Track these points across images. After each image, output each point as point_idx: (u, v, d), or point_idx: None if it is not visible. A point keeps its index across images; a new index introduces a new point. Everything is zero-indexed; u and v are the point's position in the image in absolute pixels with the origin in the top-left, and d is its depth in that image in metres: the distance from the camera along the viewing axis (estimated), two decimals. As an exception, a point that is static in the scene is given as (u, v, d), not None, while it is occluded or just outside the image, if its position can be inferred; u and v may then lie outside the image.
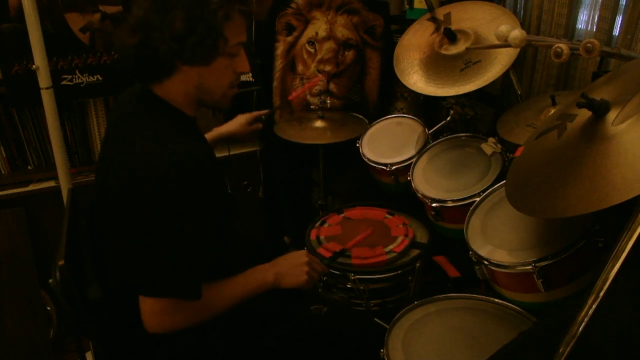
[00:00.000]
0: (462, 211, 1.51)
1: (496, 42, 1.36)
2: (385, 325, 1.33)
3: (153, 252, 1.09)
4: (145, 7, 1.09)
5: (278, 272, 1.25)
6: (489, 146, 1.71)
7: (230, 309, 1.18)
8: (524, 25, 2.05)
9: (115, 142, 1.22)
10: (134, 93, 1.23)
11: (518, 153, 1.36)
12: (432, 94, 1.75)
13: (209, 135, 1.64)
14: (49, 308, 2.13)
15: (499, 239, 1.33)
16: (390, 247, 1.64)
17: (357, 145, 2.02)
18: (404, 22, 2.31)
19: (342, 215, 1.85)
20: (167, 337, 1.21)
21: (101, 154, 1.30)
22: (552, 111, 1.52)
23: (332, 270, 1.61)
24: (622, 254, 0.75)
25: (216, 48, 1.11)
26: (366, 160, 1.95)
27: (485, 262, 1.29)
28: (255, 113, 1.76)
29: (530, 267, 1.18)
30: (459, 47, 1.75)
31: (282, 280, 1.25)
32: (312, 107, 2.28)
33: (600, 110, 0.97)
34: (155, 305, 1.09)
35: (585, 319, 0.74)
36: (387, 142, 2.00)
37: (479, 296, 1.34)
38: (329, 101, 2.14)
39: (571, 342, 0.75)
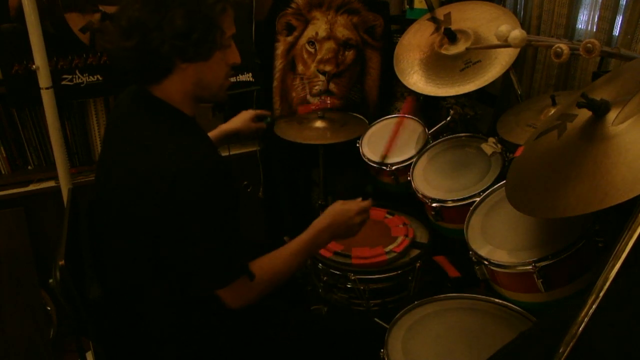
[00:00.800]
0: (462, 211, 1.51)
1: (496, 42, 1.36)
2: (385, 325, 1.33)
3: (206, 249, 1.12)
4: (138, 8, 1.07)
5: (334, 233, 1.33)
6: (489, 146, 1.71)
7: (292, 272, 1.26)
8: (524, 25, 2.05)
9: (117, 143, 1.21)
10: (130, 94, 1.23)
11: (518, 153, 1.36)
12: (432, 94, 1.75)
13: (213, 133, 1.64)
14: (49, 308, 2.13)
15: (499, 239, 1.33)
16: (390, 247, 1.64)
17: (357, 145, 2.02)
18: (404, 22, 2.31)
19: (342, 215, 1.84)
20: (167, 337, 1.22)
21: (101, 155, 1.30)
22: (552, 111, 1.52)
23: (332, 270, 1.61)
24: (622, 254, 0.75)
25: (215, 42, 1.12)
26: (366, 160, 1.95)
27: (485, 262, 1.29)
28: (260, 111, 1.76)
29: (530, 267, 1.18)
30: (459, 47, 1.75)
31: (339, 238, 1.39)
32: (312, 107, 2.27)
33: (600, 110, 0.97)
34: (234, 291, 1.15)
35: (585, 319, 0.74)
36: (387, 142, 1.99)
37: (479, 296, 1.34)
38: (329, 101, 2.14)
39: (571, 342, 0.75)
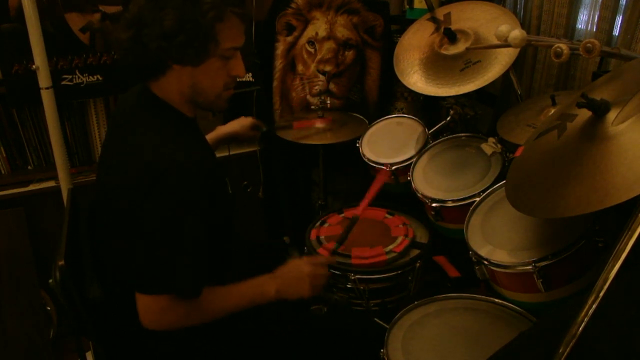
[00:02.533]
0: (462, 211, 1.51)
1: (496, 42, 1.36)
2: (385, 325, 1.33)
3: (151, 250, 1.09)
4: (140, 4, 1.09)
5: (280, 285, 1.23)
6: (489, 146, 1.71)
7: (226, 315, 1.18)
8: (524, 25, 2.05)
9: (115, 142, 1.22)
10: (134, 92, 1.23)
11: (518, 153, 1.36)
12: (432, 94, 1.75)
13: (211, 135, 1.64)
14: (49, 308, 2.13)
15: (499, 239, 1.33)
16: (390, 247, 1.64)
17: (357, 145, 2.02)
18: (404, 22, 2.31)
19: (342, 215, 1.84)
20: (167, 337, 1.21)
21: (102, 154, 1.31)
22: (552, 111, 1.52)
23: (332, 270, 1.61)
24: (622, 254, 0.75)
25: (206, 49, 1.11)
26: (366, 160, 1.95)
27: (485, 262, 1.29)
28: (259, 122, 1.76)
29: (530, 267, 1.18)
30: (459, 47, 1.75)
31: (285, 293, 1.24)
32: (312, 107, 2.28)
33: (600, 110, 0.97)
34: (152, 302, 1.10)
35: (585, 319, 0.74)
36: (387, 142, 2.00)
37: (479, 296, 1.34)
38: (329, 101, 2.14)
39: (571, 342, 0.75)
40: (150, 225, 1.08)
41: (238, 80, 1.25)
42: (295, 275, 1.26)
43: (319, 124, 2.06)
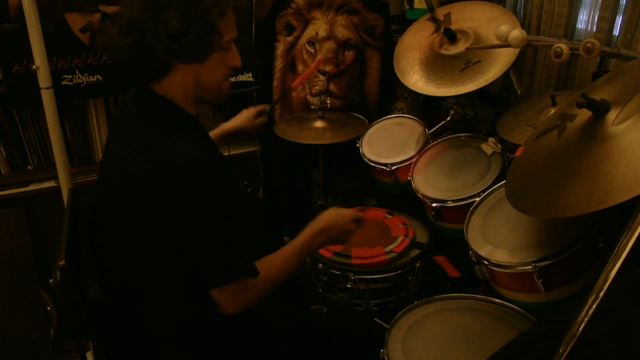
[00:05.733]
0: (462, 211, 1.51)
1: (496, 42, 1.37)
2: (385, 325, 1.33)
3: (201, 245, 1.11)
4: (137, 7, 1.07)
5: (327, 238, 1.34)
6: (489, 146, 1.71)
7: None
8: (524, 25, 2.05)
9: (118, 142, 1.21)
10: (136, 92, 1.23)
11: (518, 153, 1.36)
12: (432, 94, 1.75)
13: (214, 132, 1.64)
14: (49, 308, 2.13)
15: (499, 239, 1.33)
16: (390, 247, 1.64)
17: (357, 145, 2.02)
18: (404, 22, 2.31)
19: (342, 215, 1.84)
20: (167, 337, 1.22)
21: (105, 156, 1.30)
22: (552, 111, 1.52)
23: (332, 270, 1.61)
24: (622, 254, 0.75)
25: (212, 45, 1.11)
26: (366, 160, 1.95)
27: (485, 262, 1.29)
28: (259, 107, 1.76)
29: (530, 267, 1.18)
30: (459, 47, 1.75)
31: (330, 243, 1.39)
32: (312, 107, 2.28)
33: (600, 110, 0.97)
34: (230, 292, 1.15)
35: (585, 319, 0.74)
36: (387, 142, 2.00)
37: (479, 296, 1.34)
38: (329, 101, 2.14)
39: (571, 342, 0.75)
40: (187, 221, 1.09)
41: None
42: (342, 228, 1.35)
43: (319, 124, 2.06)
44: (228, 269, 1.14)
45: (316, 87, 2.26)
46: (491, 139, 1.71)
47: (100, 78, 2.04)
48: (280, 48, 2.25)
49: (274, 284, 1.22)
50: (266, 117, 1.76)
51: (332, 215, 1.35)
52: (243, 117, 1.72)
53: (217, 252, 1.13)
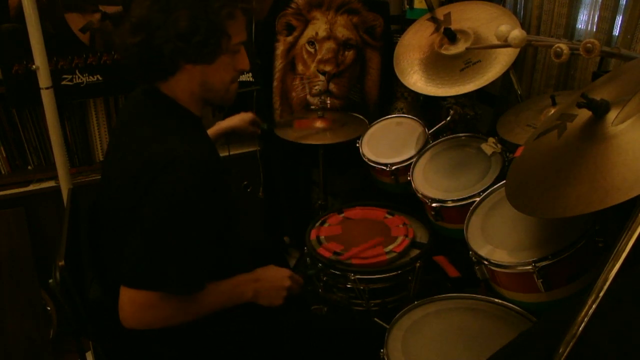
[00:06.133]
0: (462, 211, 1.51)
1: (496, 42, 1.36)
2: (385, 325, 1.33)
3: (149, 244, 1.07)
4: (147, 6, 1.09)
5: (258, 290, 1.23)
6: (489, 146, 1.71)
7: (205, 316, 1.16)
8: (524, 25, 2.05)
9: (121, 141, 1.22)
10: (142, 92, 1.23)
11: (518, 153, 1.36)
12: (432, 94, 1.75)
13: (211, 130, 1.64)
14: (49, 308, 2.13)
15: (499, 239, 1.33)
16: (390, 247, 1.64)
17: (357, 145, 2.02)
18: (404, 22, 2.31)
19: (342, 215, 1.84)
20: (166, 337, 1.21)
21: (107, 154, 1.30)
22: (552, 111, 1.52)
23: (332, 270, 1.61)
24: (622, 254, 0.75)
25: (220, 46, 1.12)
26: (366, 160, 1.95)
27: (485, 262, 1.29)
28: (259, 119, 1.76)
29: (530, 267, 1.18)
30: (459, 47, 1.75)
31: (259, 299, 1.24)
32: (312, 107, 2.28)
33: (600, 110, 0.97)
34: (139, 297, 1.07)
35: (585, 319, 0.74)
36: (387, 142, 2.00)
37: (479, 296, 1.34)
38: (329, 101, 2.14)
39: (571, 342, 0.75)
40: (151, 219, 1.06)
41: (238, 80, 1.25)
42: (275, 285, 1.26)
43: (319, 124, 2.06)
44: (152, 275, 1.06)
45: (316, 87, 2.26)
46: (491, 139, 1.71)
47: (100, 78, 2.04)
48: (280, 48, 2.25)
49: (190, 316, 1.14)
50: (259, 130, 1.77)
51: (271, 272, 1.28)
52: (239, 119, 1.72)
53: (157, 252, 1.06)
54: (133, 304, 1.07)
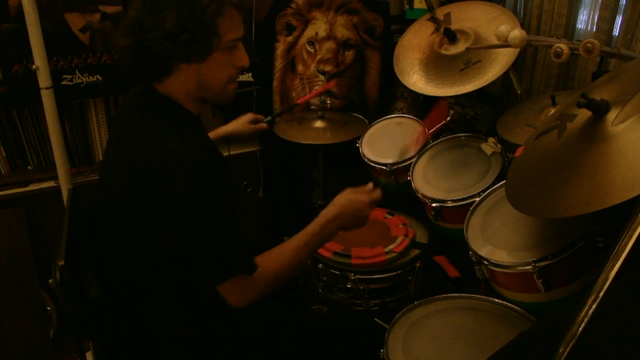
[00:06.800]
0: (462, 211, 1.51)
1: (496, 42, 1.36)
2: (385, 325, 1.33)
3: (200, 241, 1.11)
4: (138, 9, 1.09)
5: (342, 226, 1.30)
6: (489, 146, 1.71)
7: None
8: (524, 25, 2.05)
9: (119, 141, 1.22)
10: (138, 92, 1.23)
11: (518, 153, 1.36)
12: (432, 94, 1.75)
13: (211, 134, 1.64)
14: (49, 308, 2.13)
15: (499, 239, 1.33)
16: (390, 247, 1.64)
17: (357, 145, 2.02)
18: (404, 22, 2.31)
19: (342, 215, 1.84)
20: (166, 337, 1.22)
21: (106, 155, 1.30)
22: (552, 111, 1.52)
23: (332, 270, 1.61)
24: (622, 254, 0.75)
25: (209, 44, 1.11)
26: (366, 160, 1.95)
27: (485, 262, 1.29)
28: (258, 116, 1.76)
29: (530, 267, 1.18)
30: (459, 47, 1.75)
31: (346, 229, 1.32)
32: (312, 107, 2.28)
33: (600, 110, 0.97)
34: (230, 287, 1.13)
35: (585, 319, 0.74)
36: (387, 142, 2.00)
37: (479, 296, 1.34)
38: (329, 101, 2.14)
39: (571, 342, 0.75)
40: (184, 220, 1.08)
41: (238, 80, 1.25)
42: (358, 215, 1.32)
43: (319, 124, 2.06)
44: (229, 265, 1.13)
45: (316, 87, 2.26)
46: (491, 139, 1.71)
47: (100, 78, 2.04)
48: (280, 48, 2.25)
49: (281, 278, 1.21)
50: (265, 124, 1.77)
51: (346, 200, 1.33)
52: (239, 122, 1.72)
53: (215, 250, 1.12)
54: (235, 294, 1.14)
